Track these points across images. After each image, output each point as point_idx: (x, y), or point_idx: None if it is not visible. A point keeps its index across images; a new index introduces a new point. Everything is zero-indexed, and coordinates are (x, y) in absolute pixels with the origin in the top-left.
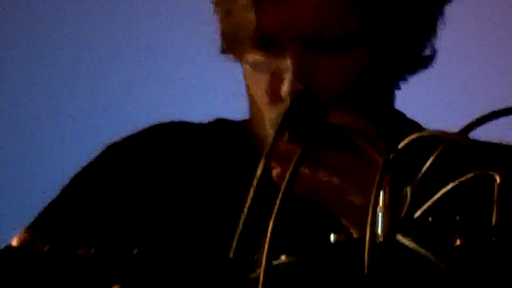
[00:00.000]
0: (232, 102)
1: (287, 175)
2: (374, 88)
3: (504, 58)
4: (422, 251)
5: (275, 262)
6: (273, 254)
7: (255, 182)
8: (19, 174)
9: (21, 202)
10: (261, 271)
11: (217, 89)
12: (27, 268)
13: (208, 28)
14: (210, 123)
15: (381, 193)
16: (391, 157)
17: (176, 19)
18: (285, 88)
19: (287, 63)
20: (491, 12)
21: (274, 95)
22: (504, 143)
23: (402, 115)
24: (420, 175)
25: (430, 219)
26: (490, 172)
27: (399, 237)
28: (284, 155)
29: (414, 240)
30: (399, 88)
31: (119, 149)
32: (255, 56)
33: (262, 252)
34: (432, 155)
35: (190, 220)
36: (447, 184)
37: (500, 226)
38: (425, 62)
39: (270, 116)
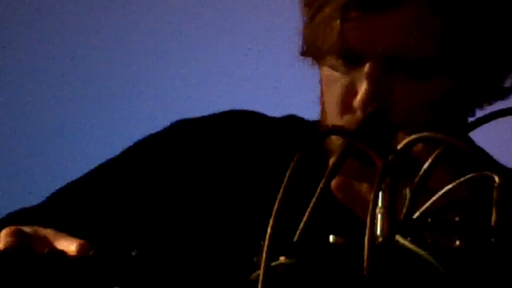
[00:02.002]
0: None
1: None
2: (449, 115)
3: None
4: (421, 252)
5: (273, 264)
6: (272, 255)
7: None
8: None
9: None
10: (260, 272)
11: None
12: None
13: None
14: (282, 118)
15: (381, 195)
16: (390, 159)
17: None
18: (357, 101)
19: (363, 77)
20: None
21: (345, 105)
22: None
23: (471, 142)
24: (419, 177)
25: (429, 220)
26: (489, 174)
27: (398, 238)
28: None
29: (413, 241)
30: (473, 115)
31: (189, 126)
32: (333, 64)
33: (261, 254)
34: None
35: (247, 209)
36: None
37: (500, 228)
38: (505, 93)
39: (337, 124)
